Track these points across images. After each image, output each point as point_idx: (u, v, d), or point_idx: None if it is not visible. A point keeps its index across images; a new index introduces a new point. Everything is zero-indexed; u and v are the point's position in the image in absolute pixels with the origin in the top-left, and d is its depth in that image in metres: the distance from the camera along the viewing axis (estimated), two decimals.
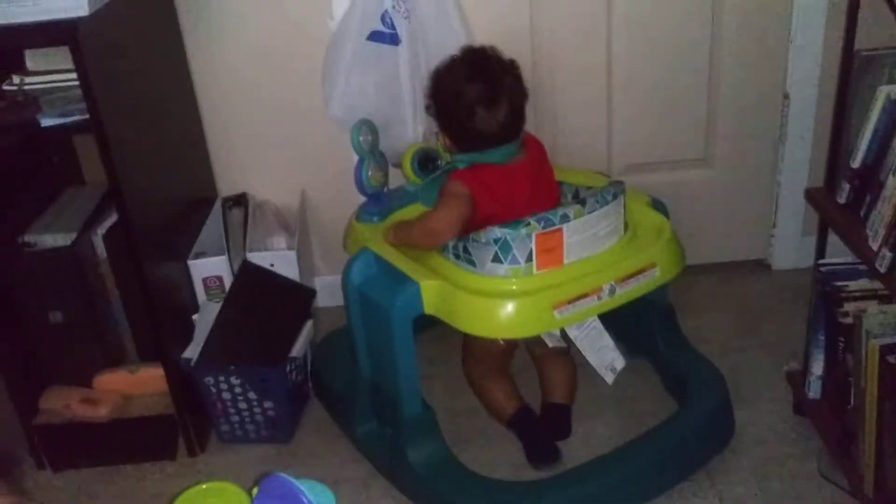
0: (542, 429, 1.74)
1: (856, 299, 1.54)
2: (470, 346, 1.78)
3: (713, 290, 2.25)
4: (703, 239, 2.24)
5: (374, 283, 1.61)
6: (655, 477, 1.64)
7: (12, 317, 1.77)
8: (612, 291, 1.53)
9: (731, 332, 2.09)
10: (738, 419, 1.77)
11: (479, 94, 1.55)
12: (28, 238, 1.81)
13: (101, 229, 1.81)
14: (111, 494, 1.78)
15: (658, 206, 1.74)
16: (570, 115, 2.14)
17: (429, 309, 1.53)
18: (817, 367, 1.68)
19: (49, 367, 1.84)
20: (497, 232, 1.48)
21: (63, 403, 1.81)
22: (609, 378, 1.63)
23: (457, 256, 1.56)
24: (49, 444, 1.82)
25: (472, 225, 1.57)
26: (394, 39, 1.93)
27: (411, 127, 2.00)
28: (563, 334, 1.62)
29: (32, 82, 1.73)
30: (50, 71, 1.72)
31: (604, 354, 1.61)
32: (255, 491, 1.06)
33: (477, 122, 1.56)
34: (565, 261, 1.52)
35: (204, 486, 1.19)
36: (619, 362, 1.63)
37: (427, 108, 1.68)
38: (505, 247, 1.48)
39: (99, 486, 1.80)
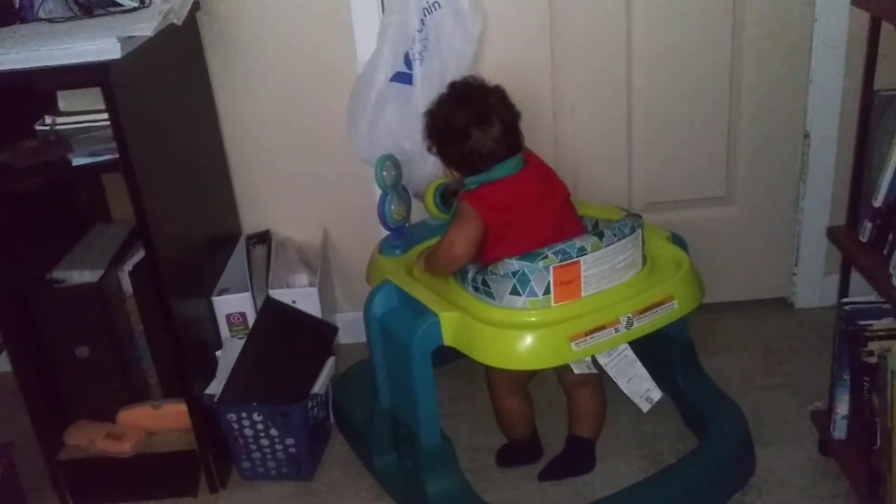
0: (531, 460, 1.80)
1: (880, 338, 1.53)
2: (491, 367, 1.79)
3: (736, 328, 2.24)
4: (726, 277, 2.23)
5: (395, 314, 1.63)
6: None
7: (39, 352, 1.79)
8: (629, 324, 1.53)
9: (755, 371, 2.07)
10: (762, 459, 1.75)
11: (469, 117, 1.61)
12: (56, 275, 1.84)
13: (128, 266, 1.84)
14: None
15: (678, 241, 1.75)
16: (590, 153, 2.16)
17: (448, 340, 1.54)
18: (842, 407, 1.67)
19: (74, 402, 1.86)
20: (515, 265, 1.49)
21: (88, 439, 1.82)
22: (645, 407, 1.61)
23: (475, 289, 1.57)
24: (73, 480, 1.82)
25: (488, 236, 1.60)
26: (413, 80, 1.96)
27: (430, 162, 2.02)
28: (595, 363, 1.61)
29: (64, 122, 1.77)
30: (81, 111, 1.76)
31: (637, 384, 1.60)
32: None
33: (474, 144, 1.60)
34: (583, 293, 1.53)
35: None
36: (656, 393, 1.61)
37: (428, 148, 1.71)
38: (523, 279, 1.49)
39: None
